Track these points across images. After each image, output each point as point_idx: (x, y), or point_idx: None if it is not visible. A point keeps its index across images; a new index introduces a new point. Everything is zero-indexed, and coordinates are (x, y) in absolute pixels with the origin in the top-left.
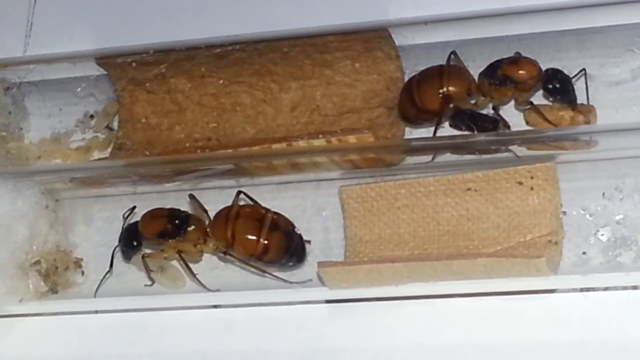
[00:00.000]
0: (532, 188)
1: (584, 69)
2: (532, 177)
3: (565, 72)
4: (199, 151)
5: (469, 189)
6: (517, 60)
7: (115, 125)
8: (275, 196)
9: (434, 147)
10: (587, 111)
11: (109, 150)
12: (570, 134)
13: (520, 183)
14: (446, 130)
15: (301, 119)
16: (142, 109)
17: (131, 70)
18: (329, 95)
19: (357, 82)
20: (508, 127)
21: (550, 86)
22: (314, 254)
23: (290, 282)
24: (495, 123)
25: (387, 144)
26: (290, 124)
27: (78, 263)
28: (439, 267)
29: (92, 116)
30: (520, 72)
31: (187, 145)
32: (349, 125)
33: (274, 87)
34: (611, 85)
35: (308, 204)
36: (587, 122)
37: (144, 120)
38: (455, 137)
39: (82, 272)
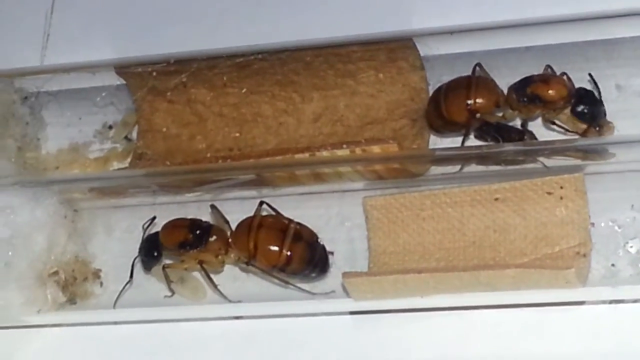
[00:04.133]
0: (561, 198)
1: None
2: (561, 187)
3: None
4: (220, 161)
5: (496, 200)
6: (548, 79)
7: (134, 135)
8: (299, 206)
9: (459, 157)
10: (607, 127)
11: (128, 161)
12: (598, 144)
13: (550, 193)
14: (472, 141)
15: (324, 129)
16: (161, 119)
17: (151, 80)
18: (352, 106)
19: (381, 93)
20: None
21: (579, 109)
22: (338, 264)
23: (314, 294)
24: (522, 135)
25: (412, 154)
26: (313, 135)
27: (97, 274)
28: (466, 278)
29: (110, 127)
30: (550, 92)
31: (208, 155)
32: (373, 136)
33: (296, 98)
34: None
35: (332, 214)
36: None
37: (164, 129)
38: (480, 147)
39: (101, 283)
